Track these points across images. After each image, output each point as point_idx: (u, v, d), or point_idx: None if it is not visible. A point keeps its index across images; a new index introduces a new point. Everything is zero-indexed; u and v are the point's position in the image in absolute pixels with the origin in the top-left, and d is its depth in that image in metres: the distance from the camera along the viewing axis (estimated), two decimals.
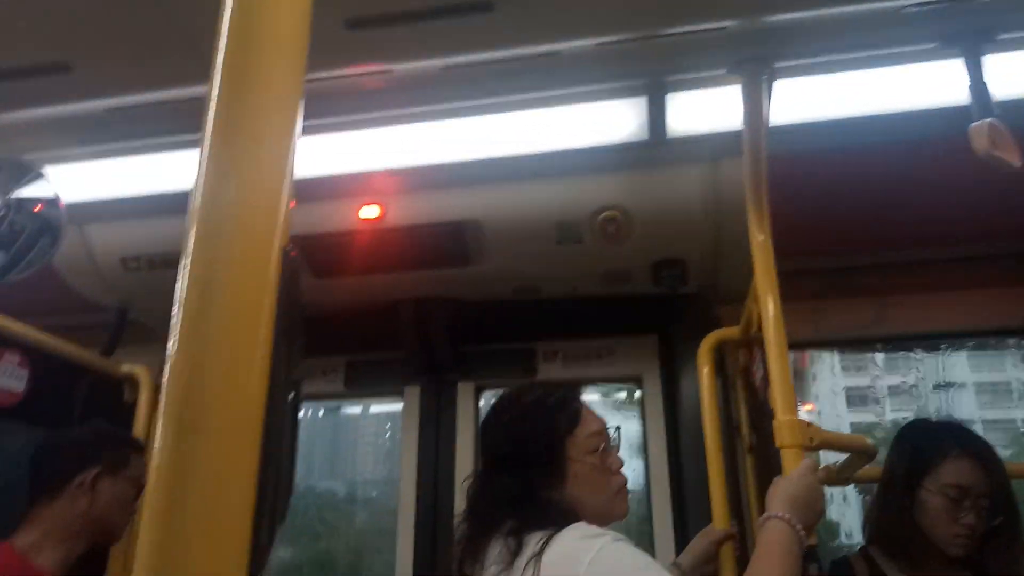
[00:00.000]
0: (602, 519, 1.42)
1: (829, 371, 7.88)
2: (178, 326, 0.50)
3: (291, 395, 0.57)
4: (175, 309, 0.51)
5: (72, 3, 1.36)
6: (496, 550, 1.38)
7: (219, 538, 0.45)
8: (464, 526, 1.50)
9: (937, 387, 3.17)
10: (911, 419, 1.92)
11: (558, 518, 1.35)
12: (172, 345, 0.50)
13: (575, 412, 1.53)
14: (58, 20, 1.40)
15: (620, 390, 2.72)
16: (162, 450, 0.47)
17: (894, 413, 5.36)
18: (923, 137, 1.75)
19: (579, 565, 1.22)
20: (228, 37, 0.58)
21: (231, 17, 0.59)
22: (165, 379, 0.49)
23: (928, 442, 1.74)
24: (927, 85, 1.66)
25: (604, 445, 1.52)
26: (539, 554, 1.27)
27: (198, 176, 0.55)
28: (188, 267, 0.52)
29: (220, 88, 0.57)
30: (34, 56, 1.47)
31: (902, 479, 1.70)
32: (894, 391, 5.00)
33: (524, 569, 1.28)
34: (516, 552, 1.33)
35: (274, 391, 0.50)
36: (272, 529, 0.48)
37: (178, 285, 0.51)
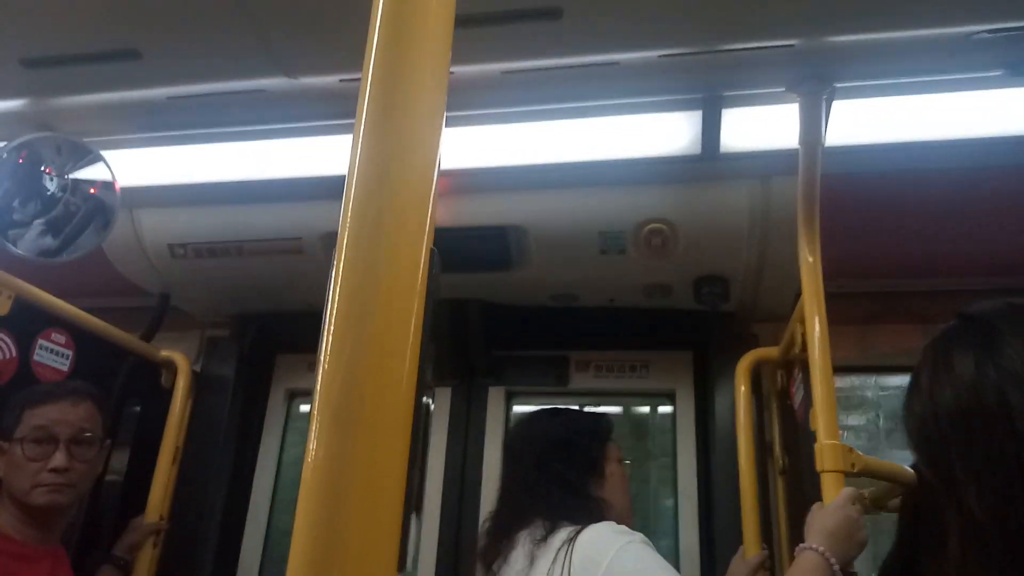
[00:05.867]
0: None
1: None
2: (332, 320, 0.50)
3: (427, 396, 0.58)
4: (329, 303, 0.51)
5: None
6: (527, 535, 1.45)
7: (374, 526, 0.46)
8: (498, 511, 1.59)
9: None
10: None
11: (593, 514, 1.48)
12: (326, 339, 0.50)
13: (610, 424, 1.75)
14: (131, 7, 1.43)
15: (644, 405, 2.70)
16: (318, 441, 0.47)
17: None
18: (981, 165, 1.73)
19: (607, 552, 1.34)
20: (380, 29, 0.59)
21: (383, 7, 0.60)
22: (320, 372, 0.49)
23: None
24: (988, 113, 1.64)
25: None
26: (573, 539, 1.39)
27: (352, 168, 0.56)
28: (343, 263, 0.52)
29: (373, 84, 0.58)
30: (105, 42, 1.50)
31: None
32: None
33: (558, 550, 1.39)
34: (548, 535, 1.45)
35: (419, 389, 0.51)
36: (409, 521, 0.48)
37: (331, 280, 0.52)
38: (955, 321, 0.79)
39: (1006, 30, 1.37)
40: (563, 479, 1.54)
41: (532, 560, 1.44)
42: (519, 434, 1.71)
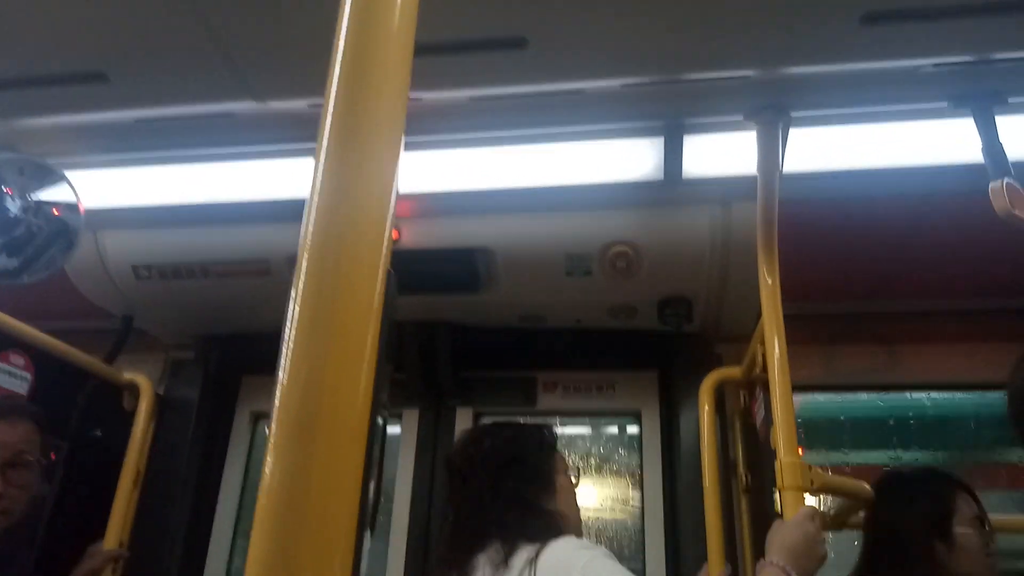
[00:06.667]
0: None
1: None
2: (291, 341, 0.51)
3: (382, 416, 0.59)
4: (288, 323, 0.52)
5: (113, 15, 1.39)
6: (485, 560, 1.43)
7: (328, 542, 0.47)
8: (452, 536, 1.56)
9: None
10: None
11: (550, 529, 1.46)
12: (285, 359, 0.51)
13: (553, 435, 1.72)
14: (99, 31, 1.43)
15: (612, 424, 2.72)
16: (275, 460, 0.48)
17: None
18: (933, 191, 1.80)
19: (572, 570, 1.32)
20: (342, 57, 0.61)
21: (346, 37, 0.61)
22: (278, 392, 0.50)
23: (932, 485, 1.76)
24: (939, 142, 1.71)
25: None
26: (535, 559, 1.36)
27: (312, 192, 0.57)
28: (302, 282, 0.53)
29: (334, 110, 0.59)
30: (72, 65, 1.50)
31: (927, 529, 1.68)
32: None
33: (521, 572, 1.37)
34: (508, 558, 1.42)
35: (374, 409, 0.52)
36: (362, 538, 0.49)
37: (291, 300, 0.53)
38: None
39: (949, 65, 1.44)
40: (518, 497, 1.52)
41: None
42: (466, 454, 1.65)
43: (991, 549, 1.66)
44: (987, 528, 1.67)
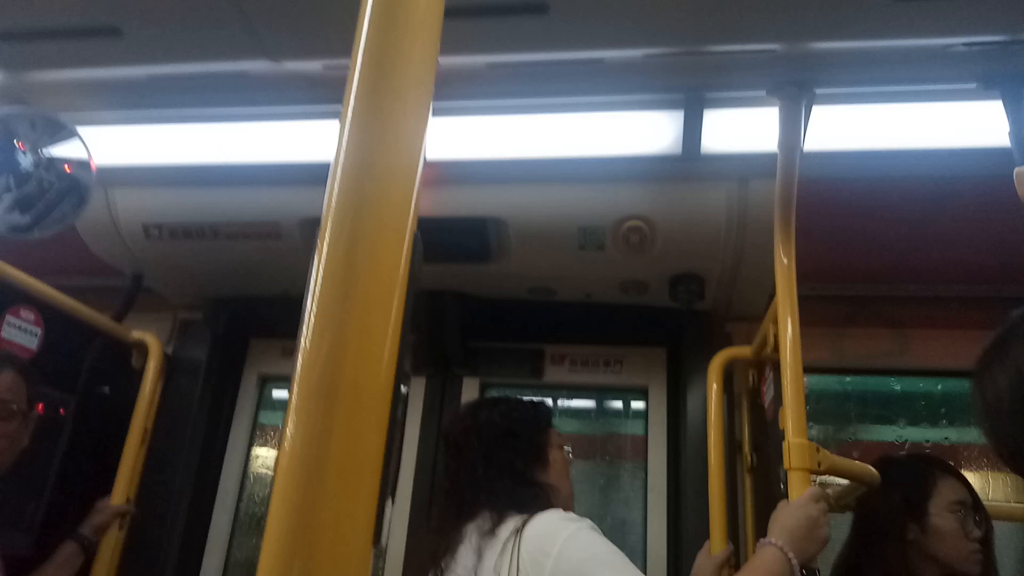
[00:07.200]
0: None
1: None
2: (314, 306, 0.50)
3: (404, 385, 0.58)
4: (311, 288, 0.51)
5: None
6: (474, 528, 1.47)
7: (350, 512, 0.46)
8: (444, 505, 1.60)
9: None
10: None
11: (540, 501, 1.47)
12: (307, 324, 0.50)
13: (548, 410, 1.74)
14: None
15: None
16: (296, 425, 0.47)
17: None
18: (955, 175, 1.76)
19: (555, 541, 1.33)
20: (370, 17, 0.59)
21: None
22: (299, 357, 0.49)
23: (913, 470, 1.76)
24: (963, 125, 1.67)
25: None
26: (521, 529, 1.38)
27: (338, 155, 0.55)
28: (326, 247, 0.52)
29: (362, 70, 0.57)
30: (86, 19, 1.48)
31: (901, 511, 1.70)
32: None
33: (506, 541, 1.38)
34: (495, 527, 1.43)
35: (398, 378, 0.51)
36: (384, 504, 0.48)
37: (313, 265, 0.51)
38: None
39: (980, 44, 1.40)
40: (510, 468, 1.53)
41: (480, 554, 1.42)
42: (461, 426, 1.67)
43: (974, 534, 1.64)
44: (964, 513, 1.66)
